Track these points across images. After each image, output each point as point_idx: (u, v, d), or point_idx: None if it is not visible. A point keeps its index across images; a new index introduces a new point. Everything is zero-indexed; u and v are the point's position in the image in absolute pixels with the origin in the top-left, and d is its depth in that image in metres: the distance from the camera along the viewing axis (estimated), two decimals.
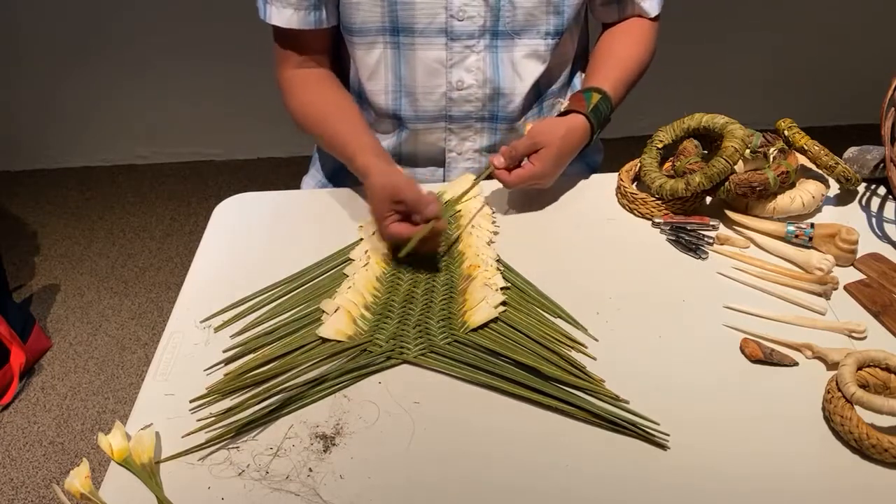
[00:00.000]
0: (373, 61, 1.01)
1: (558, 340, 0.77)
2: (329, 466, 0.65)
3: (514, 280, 0.85)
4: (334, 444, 0.67)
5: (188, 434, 0.67)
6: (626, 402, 0.69)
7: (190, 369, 0.75)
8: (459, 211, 0.98)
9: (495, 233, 0.94)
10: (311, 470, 0.64)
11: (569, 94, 1.10)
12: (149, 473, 0.64)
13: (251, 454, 0.66)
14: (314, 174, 1.20)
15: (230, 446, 0.67)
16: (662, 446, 0.66)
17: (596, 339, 0.78)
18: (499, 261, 0.88)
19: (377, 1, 0.96)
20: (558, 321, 0.80)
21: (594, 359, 0.75)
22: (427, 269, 0.88)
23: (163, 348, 0.78)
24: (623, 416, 0.68)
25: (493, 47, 1.01)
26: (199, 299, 0.85)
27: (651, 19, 1.10)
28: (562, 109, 1.00)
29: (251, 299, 0.85)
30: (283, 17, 0.98)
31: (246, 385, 0.72)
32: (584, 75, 1.10)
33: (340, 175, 1.18)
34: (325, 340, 0.77)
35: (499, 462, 0.65)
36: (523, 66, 1.02)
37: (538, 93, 1.08)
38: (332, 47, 1.06)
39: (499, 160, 0.94)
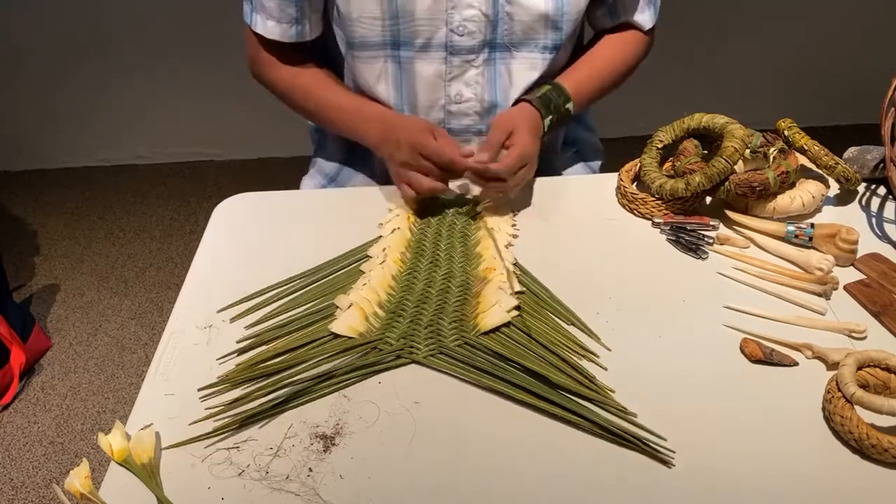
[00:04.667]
0: (374, 75, 1.02)
1: (569, 348, 0.76)
2: (329, 466, 0.65)
3: (529, 284, 0.85)
4: (334, 444, 0.67)
5: (195, 422, 0.68)
6: (634, 416, 0.68)
7: (190, 369, 0.75)
8: (480, 213, 0.98)
9: (514, 236, 0.94)
10: (311, 470, 0.64)
11: None
12: (149, 473, 0.64)
13: (251, 454, 0.66)
14: (314, 175, 1.20)
15: (230, 446, 0.67)
16: (667, 463, 0.64)
17: (609, 349, 0.76)
18: (516, 264, 0.88)
19: (378, 16, 0.96)
20: (571, 328, 0.79)
21: (605, 369, 0.74)
22: (444, 269, 0.87)
23: (163, 348, 0.78)
24: (628, 430, 0.66)
25: (491, 60, 1.01)
26: (199, 299, 0.85)
27: (644, 32, 1.10)
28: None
29: (266, 292, 0.85)
30: (266, 27, 1.01)
31: (256, 376, 0.73)
32: None
33: (340, 176, 1.18)
34: (336, 336, 0.77)
35: (499, 465, 0.65)
36: (518, 76, 1.03)
37: None
38: (310, 50, 1.07)
39: (482, 156, 0.91)
